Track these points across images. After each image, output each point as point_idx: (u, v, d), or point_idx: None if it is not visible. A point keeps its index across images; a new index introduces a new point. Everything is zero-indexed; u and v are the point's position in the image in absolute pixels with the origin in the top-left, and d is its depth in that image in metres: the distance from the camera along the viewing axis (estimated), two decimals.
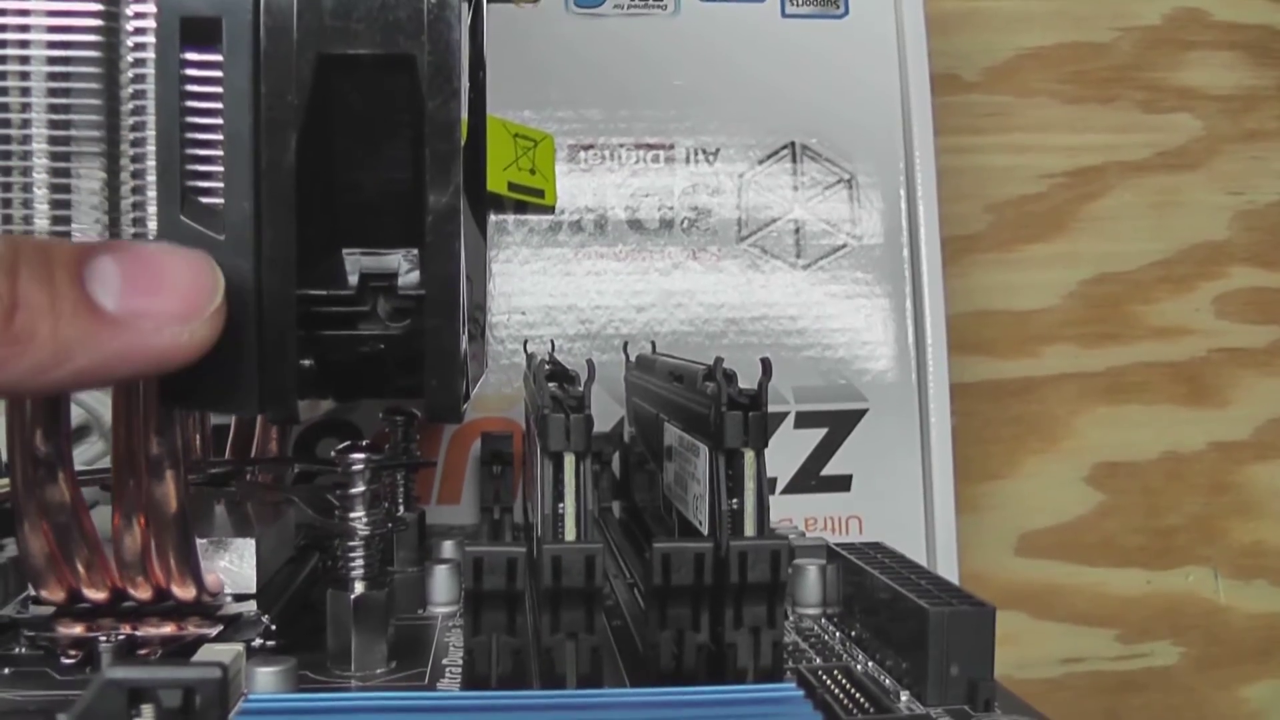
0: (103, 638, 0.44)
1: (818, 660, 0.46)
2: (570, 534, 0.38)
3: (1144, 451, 0.92)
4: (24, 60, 0.37)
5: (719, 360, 0.42)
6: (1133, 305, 0.93)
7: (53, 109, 0.37)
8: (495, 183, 0.71)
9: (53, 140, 0.37)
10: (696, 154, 0.76)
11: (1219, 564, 0.93)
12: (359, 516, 0.44)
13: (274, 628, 0.46)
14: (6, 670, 0.43)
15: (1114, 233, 0.92)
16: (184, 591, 0.44)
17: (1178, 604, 0.92)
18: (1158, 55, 0.94)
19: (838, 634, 0.49)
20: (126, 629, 0.44)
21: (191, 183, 0.37)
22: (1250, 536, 0.93)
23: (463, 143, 0.39)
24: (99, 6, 0.37)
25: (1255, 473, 0.93)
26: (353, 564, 0.44)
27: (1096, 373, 0.92)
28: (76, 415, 0.70)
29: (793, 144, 0.77)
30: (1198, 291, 0.93)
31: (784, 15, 0.78)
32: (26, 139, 0.37)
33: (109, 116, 0.37)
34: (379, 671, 0.44)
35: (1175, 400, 0.92)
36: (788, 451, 0.74)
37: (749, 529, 0.40)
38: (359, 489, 0.45)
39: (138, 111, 0.37)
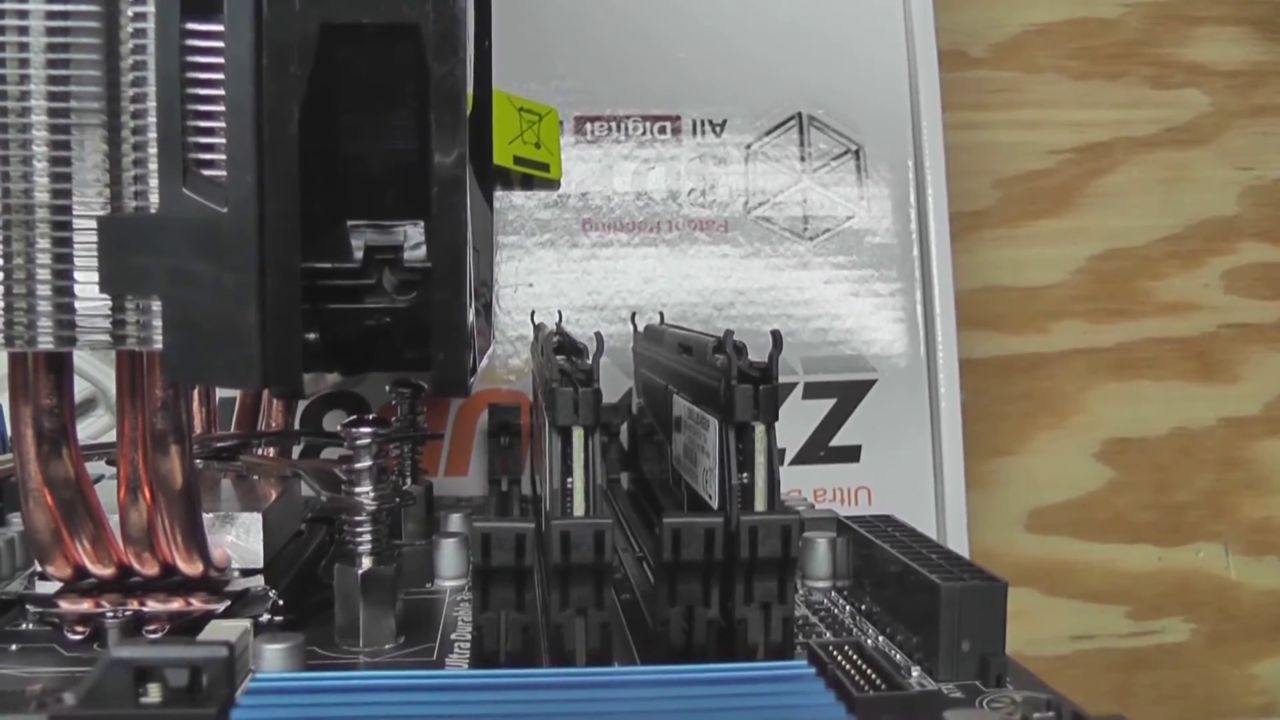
0: (109, 614, 0.44)
1: (828, 635, 0.45)
2: (579, 509, 0.38)
3: (1154, 427, 0.92)
4: (22, 31, 0.36)
5: (729, 333, 0.41)
6: (1142, 281, 0.92)
7: (52, 80, 0.37)
8: (501, 157, 0.70)
9: (52, 112, 0.37)
10: (703, 125, 0.76)
11: (1230, 540, 0.93)
12: (366, 491, 0.44)
13: (281, 603, 0.46)
14: (13, 647, 0.43)
15: (1123, 208, 0.92)
16: (190, 567, 0.44)
17: (1188, 580, 0.92)
18: (1165, 31, 0.93)
19: (848, 607, 0.49)
20: (133, 605, 0.44)
21: (193, 155, 0.37)
22: (1261, 512, 0.93)
23: (468, 113, 0.38)
24: None
25: (1266, 448, 0.93)
26: (360, 539, 0.44)
27: (1106, 348, 0.91)
28: (81, 388, 0.70)
29: (799, 115, 0.77)
30: (1207, 267, 0.93)
31: None
32: (25, 111, 0.37)
33: (109, 88, 0.37)
34: (387, 647, 0.44)
35: (1185, 376, 0.92)
36: (796, 422, 0.74)
37: (759, 503, 0.40)
38: (366, 463, 0.44)
39: (138, 83, 0.37)
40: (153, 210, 0.37)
